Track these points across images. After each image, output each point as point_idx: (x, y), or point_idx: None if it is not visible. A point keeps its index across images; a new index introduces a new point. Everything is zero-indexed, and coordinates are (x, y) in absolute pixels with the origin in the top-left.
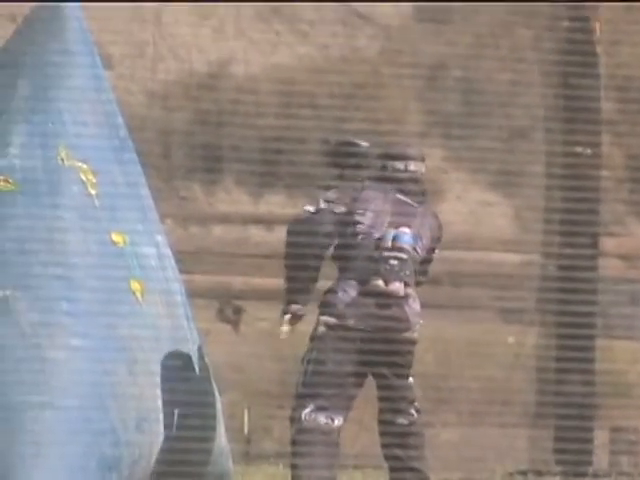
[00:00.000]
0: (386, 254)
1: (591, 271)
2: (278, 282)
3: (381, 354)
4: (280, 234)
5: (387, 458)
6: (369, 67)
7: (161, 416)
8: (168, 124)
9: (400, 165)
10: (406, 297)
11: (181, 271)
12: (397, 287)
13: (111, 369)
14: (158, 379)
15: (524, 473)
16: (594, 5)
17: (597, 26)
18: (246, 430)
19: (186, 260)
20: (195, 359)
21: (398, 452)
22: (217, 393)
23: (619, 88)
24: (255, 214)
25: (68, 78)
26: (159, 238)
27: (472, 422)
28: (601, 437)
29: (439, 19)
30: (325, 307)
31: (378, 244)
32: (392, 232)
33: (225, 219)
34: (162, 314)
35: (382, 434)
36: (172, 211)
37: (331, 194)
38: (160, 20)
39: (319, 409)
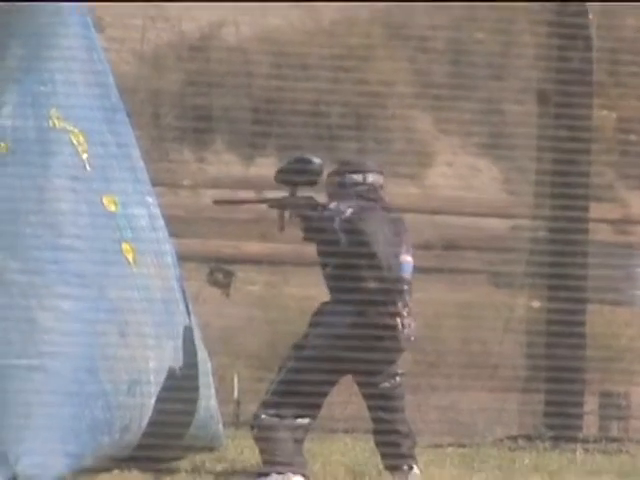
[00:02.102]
0: (388, 285)
1: (582, 235)
2: (268, 247)
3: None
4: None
5: (373, 421)
6: (360, 30)
7: (153, 378)
8: (159, 86)
9: (358, 178)
10: (403, 327)
11: (171, 235)
12: (396, 322)
13: (102, 331)
14: (150, 341)
15: (514, 438)
16: None
17: None
18: (236, 394)
19: (176, 224)
20: (184, 320)
21: (382, 415)
22: (207, 356)
23: (611, 53)
24: (245, 178)
25: (60, 39)
26: (150, 199)
27: (462, 387)
28: (591, 402)
29: None
30: (317, 327)
31: (379, 272)
32: (394, 262)
33: (215, 183)
34: (153, 275)
35: (366, 397)
36: (162, 175)
37: (338, 205)
38: None
39: (284, 416)
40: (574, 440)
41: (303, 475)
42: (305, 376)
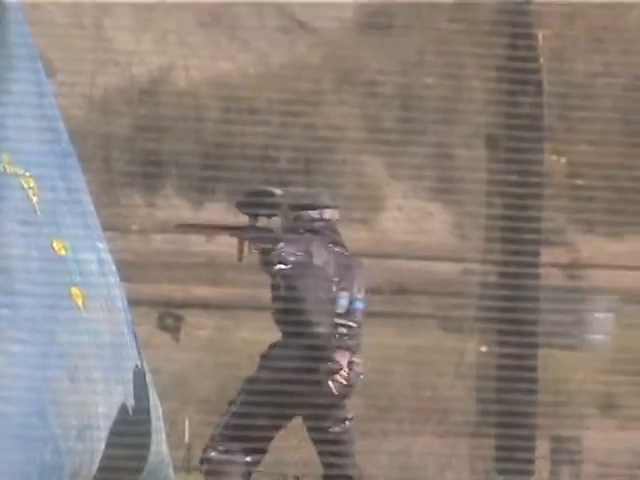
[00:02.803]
0: (338, 321)
1: (532, 279)
2: (217, 291)
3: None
4: (220, 242)
5: (323, 465)
6: (309, 75)
7: (102, 423)
8: (109, 131)
9: (315, 214)
10: (352, 364)
11: (121, 280)
12: (345, 361)
13: (52, 376)
14: (99, 386)
15: None
16: (537, 12)
17: (539, 35)
18: (187, 438)
19: (126, 269)
20: (134, 365)
21: (333, 459)
22: (158, 401)
23: (561, 98)
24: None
25: (10, 84)
26: (100, 245)
27: (413, 431)
28: (542, 447)
29: (380, 27)
30: (267, 363)
31: (330, 309)
32: (345, 297)
33: (165, 228)
34: (102, 320)
35: (316, 442)
36: (113, 220)
37: (283, 248)
38: (101, 26)
39: (234, 452)
40: None
41: None
42: (255, 410)
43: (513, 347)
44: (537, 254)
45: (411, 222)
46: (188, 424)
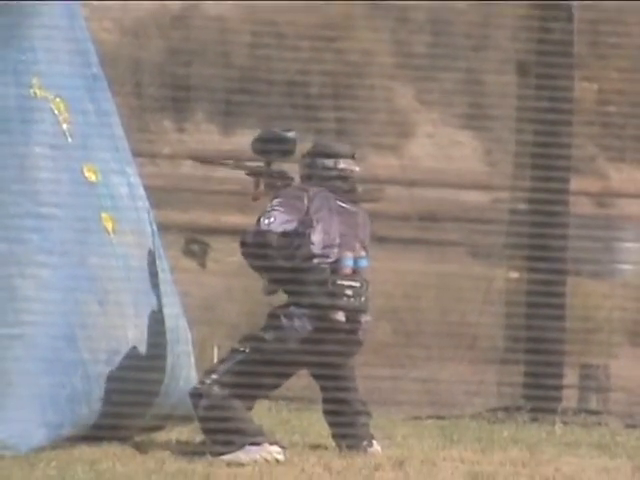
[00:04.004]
0: (343, 282)
1: (562, 207)
2: (245, 219)
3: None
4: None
5: (326, 401)
6: (339, 6)
7: (131, 347)
8: (140, 56)
9: (329, 163)
10: (364, 323)
11: (151, 206)
12: (359, 320)
13: (81, 300)
14: (129, 310)
15: (493, 411)
16: None
17: None
18: None
19: (155, 194)
20: (163, 290)
21: (339, 394)
22: (187, 325)
23: (592, 29)
24: (224, 150)
25: (41, 6)
26: (129, 169)
27: (440, 358)
28: (570, 375)
29: None
30: (277, 331)
31: (334, 269)
32: (349, 257)
33: (194, 154)
34: (132, 244)
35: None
36: (142, 145)
37: (278, 206)
38: None
39: (235, 396)
40: (553, 412)
41: (279, 446)
42: (261, 369)
43: (542, 273)
44: (567, 181)
45: (440, 149)
46: (217, 350)
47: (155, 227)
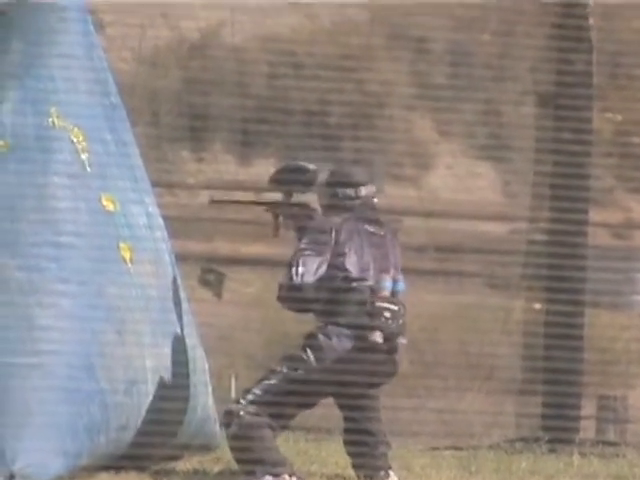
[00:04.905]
0: (382, 304)
1: (580, 238)
2: (263, 249)
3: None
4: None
5: (348, 432)
6: (358, 37)
7: (150, 377)
8: (157, 85)
9: (351, 192)
10: (400, 346)
11: (168, 236)
12: (396, 343)
13: (99, 330)
14: (146, 339)
15: (511, 442)
16: None
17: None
18: (233, 394)
19: (173, 224)
20: (181, 320)
21: (360, 425)
22: (204, 354)
23: (611, 56)
24: (241, 180)
25: (60, 36)
26: (147, 199)
27: (459, 389)
28: (588, 406)
29: None
30: (316, 351)
31: (373, 292)
32: (387, 279)
33: (212, 184)
34: (150, 274)
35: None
36: (160, 176)
37: (307, 249)
38: None
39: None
40: (571, 443)
41: (298, 477)
42: (297, 388)
43: (560, 305)
44: (585, 212)
45: (459, 180)
46: (234, 380)
47: (173, 257)
